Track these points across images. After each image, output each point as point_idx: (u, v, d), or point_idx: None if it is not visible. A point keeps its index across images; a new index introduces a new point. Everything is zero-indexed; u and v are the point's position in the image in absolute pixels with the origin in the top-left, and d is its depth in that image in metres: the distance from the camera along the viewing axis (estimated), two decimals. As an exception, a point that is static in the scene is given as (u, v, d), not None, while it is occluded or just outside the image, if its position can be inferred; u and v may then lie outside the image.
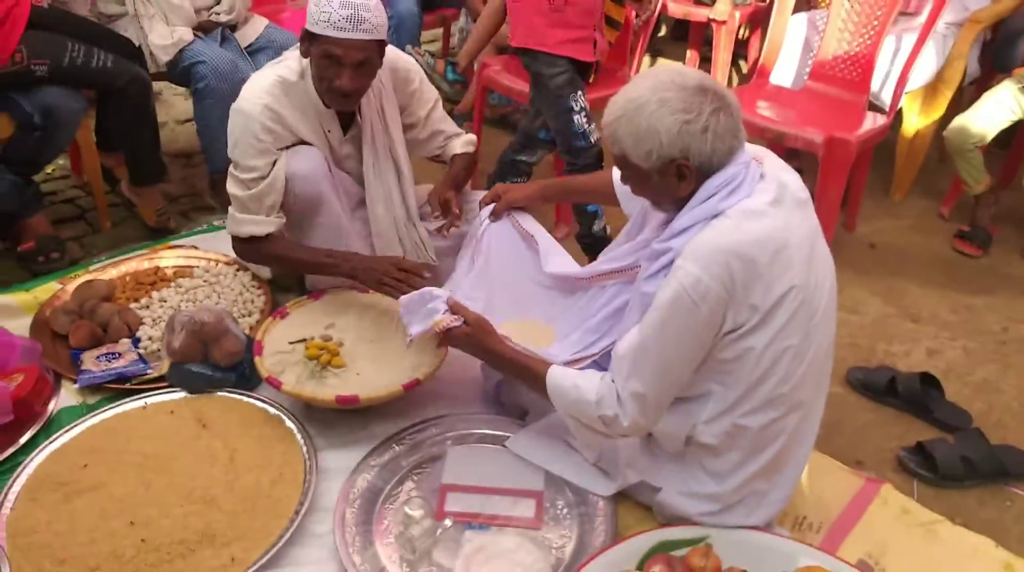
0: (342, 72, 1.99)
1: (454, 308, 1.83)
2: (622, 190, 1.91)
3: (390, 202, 2.30)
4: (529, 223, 2.21)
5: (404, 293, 1.93)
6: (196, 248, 2.66)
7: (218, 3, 2.95)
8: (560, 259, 2.14)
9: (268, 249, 2.20)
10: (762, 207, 1.50)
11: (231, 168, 2.14)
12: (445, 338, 1.85)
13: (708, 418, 1.63)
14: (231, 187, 2.14)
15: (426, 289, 1.88)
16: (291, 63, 2.13)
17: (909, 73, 2.99)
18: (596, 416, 1.63)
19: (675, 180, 1.54)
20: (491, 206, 2.19)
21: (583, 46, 2.68)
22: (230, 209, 2.19)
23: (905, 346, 2.62)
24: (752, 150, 1.60)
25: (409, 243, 2.34)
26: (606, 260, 2.00)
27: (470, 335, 1.81)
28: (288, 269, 2.40)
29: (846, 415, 2.32)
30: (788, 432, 1.64)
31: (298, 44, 2.08)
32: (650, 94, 1.49)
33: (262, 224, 2.14)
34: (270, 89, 2.08)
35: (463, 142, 2.42)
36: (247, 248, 2.22)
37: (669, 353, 1.53)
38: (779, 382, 1.56)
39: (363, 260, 2.15)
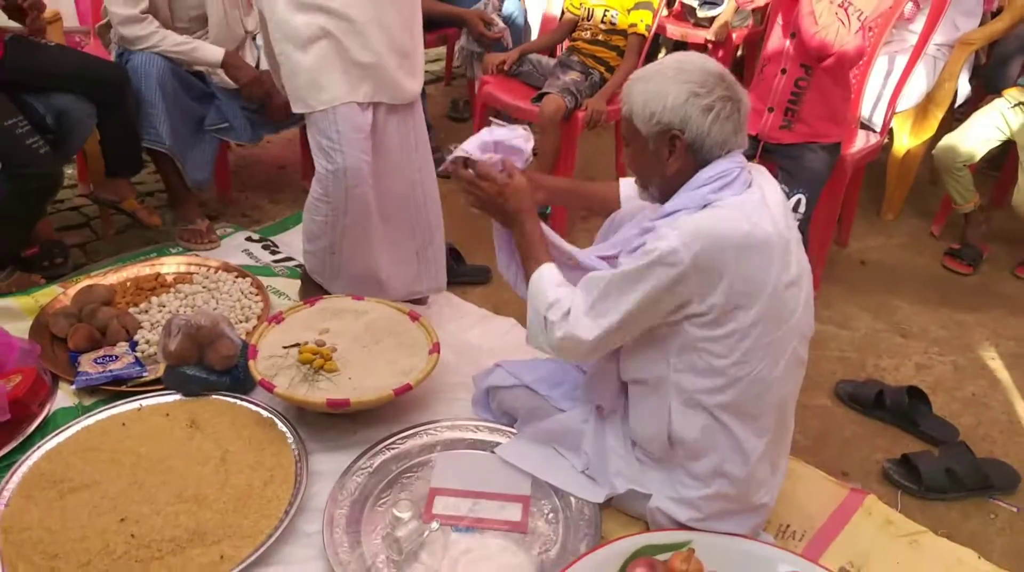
0: None
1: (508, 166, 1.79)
2: (627, 197, 1.94)
3: None
4: None
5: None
6: (197, 255, 2.71)
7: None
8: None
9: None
10: (751, 204, 1.55)
11: None
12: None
13: (679, 403, 1.65)
14: None
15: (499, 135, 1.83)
16: None
17: (900, 94, 3.03)
18: (544, 314, 1.66)
19: (666, 153, 1.59)
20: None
21: None
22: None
23: (894, 361, 2.65)
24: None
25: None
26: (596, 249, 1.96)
27: (519, 190, 1.77)
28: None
29: (833, 427, 2.34)
30: (768, 437, 1.67)
31: None
32: (674, 63, 1.58)
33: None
34: None
35: None
36: None
37: (624, 302, 1.57)
38: (753, 381, 1.59)
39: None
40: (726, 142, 1.57)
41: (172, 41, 2.68)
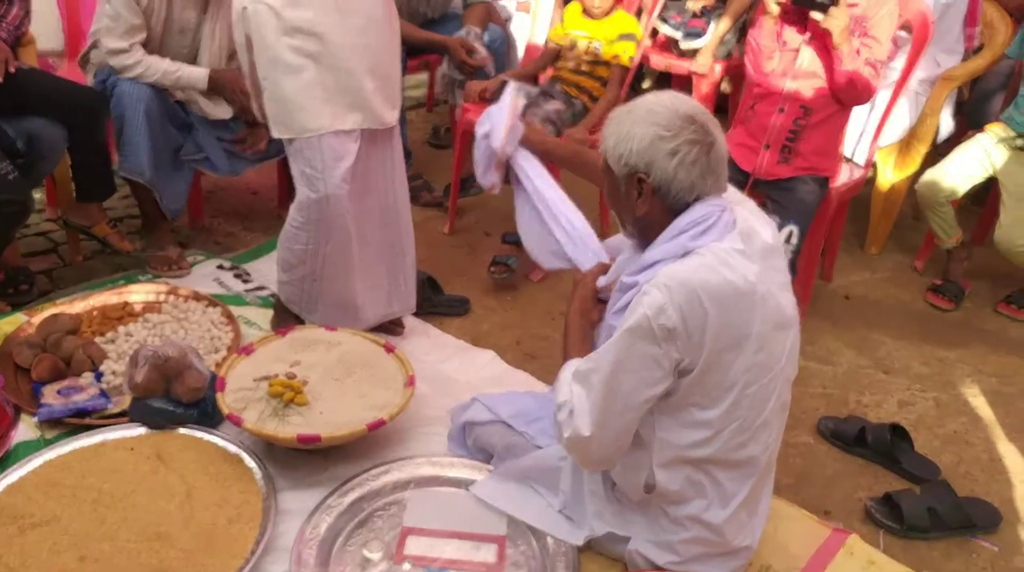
0: None
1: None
2: None
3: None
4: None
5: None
6: (167, 283, 2.65)
7: None
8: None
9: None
10: (731, 253, 1.50)
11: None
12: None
13: (662, 461, 1.61)
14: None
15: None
16: None
17: (882, 129, 3.04)
18: (556, 416, 1.63)
19: (635, 195, 1.55)
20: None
21: None
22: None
23: (877, 397, 2.62)
24: (729, 196, 1.60)
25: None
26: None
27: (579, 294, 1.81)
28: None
29: (815, 465, 2.30)
30: (752, 482, 1.63)
31: None
32: (646, 104, 1.54)
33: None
34: None
35: None
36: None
37: (616, 381, 1.51)
38: (738, 430, 1.55)
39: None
40: (694, 186, 1.51)
41: (157, 68, 2.66)
